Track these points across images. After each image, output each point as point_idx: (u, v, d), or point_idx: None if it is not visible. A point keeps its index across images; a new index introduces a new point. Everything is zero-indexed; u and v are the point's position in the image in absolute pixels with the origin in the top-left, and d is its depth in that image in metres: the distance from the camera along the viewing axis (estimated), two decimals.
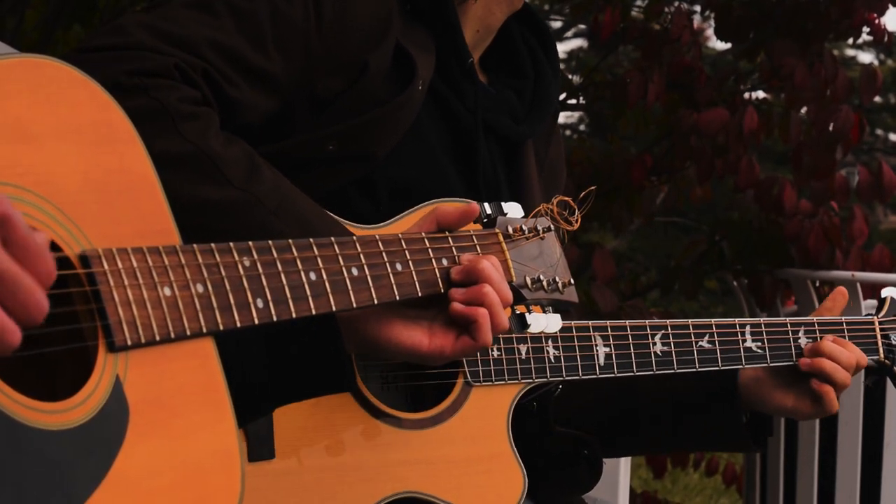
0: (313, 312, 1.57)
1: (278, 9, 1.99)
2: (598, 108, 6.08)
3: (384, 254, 1.71)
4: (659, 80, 5.28)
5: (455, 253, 1.82)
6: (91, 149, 1.38)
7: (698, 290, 6.06)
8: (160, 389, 1.39)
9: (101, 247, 1.35)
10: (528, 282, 1.91)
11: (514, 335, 2.12)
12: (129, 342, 1.35)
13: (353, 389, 1.96)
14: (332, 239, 1.65)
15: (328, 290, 1.61)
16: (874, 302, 2.60)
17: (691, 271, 5.89)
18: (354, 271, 1.66)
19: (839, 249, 5.30)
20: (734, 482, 6.33)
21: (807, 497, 5.18)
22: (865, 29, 5.60)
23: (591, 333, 2.20)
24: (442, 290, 1.79)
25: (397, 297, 1.71)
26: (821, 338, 2.36)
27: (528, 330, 1.90)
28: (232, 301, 1.47)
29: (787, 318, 2.38)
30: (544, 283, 1.92)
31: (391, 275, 1.71)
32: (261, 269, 1.52)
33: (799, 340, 2.36)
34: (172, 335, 1.39)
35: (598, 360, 2.20)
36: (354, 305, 1.64)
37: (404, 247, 1.75)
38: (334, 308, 1.61)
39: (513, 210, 1.92)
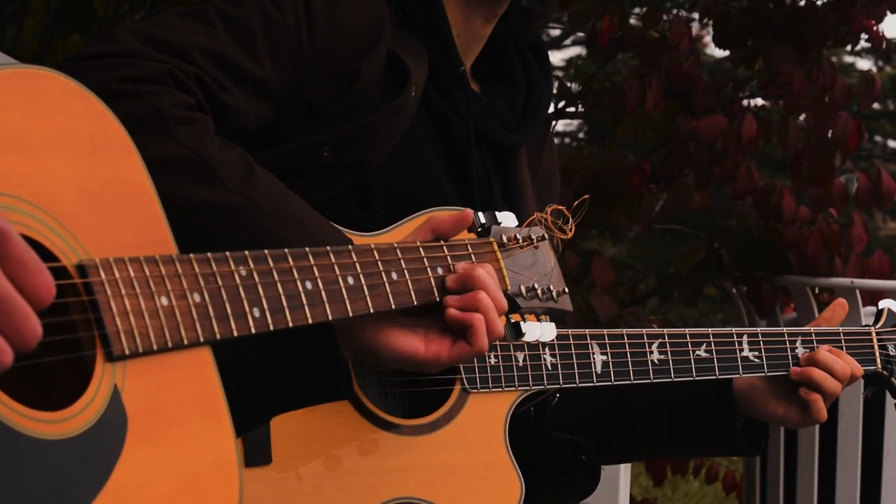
0: (310, 321, 1.58)
1: (270, 16, 2.00)
2: (597, 116, 6.09)
3: (379, 263, 1.72)
4: (657, 87, 5.28)
5: (450, 262, 1.82)
6: (87, 159, 1.38)
7: (697, 297, 6.06)
8: (158, 398, 1.39)
9: (98, 257, 1.36)
10: (523, 290, 1.91)
11: (509, 343, 2.12)
12: (127, 352, 1.35)
13: (350, 397, 1.97)
14: (328, 248, 1.65)
15: (324, 299, 1.61)
16: (873, 309, 2.60)
17: (690, 278, 5.89)
18: (350, 280, 1.66)
19: (838, 256, 5.30)
20: (734, 490, 6.32)
21: None
22: (864, 36, 5.60)
23: (588, 341, 2.20)
24: (437, 299, 1.80)
25: (393, 306, 1.72)
26: (817, 348, 2.37)
27: (523, 339, 1.91)
28: (229, 310, 1.47)
29: (785, 329, 2.38)
30: (539, 292, 1.92)
31: (387, 283, 1.72)
32: (257, 279, 1.52)
33: (796, 350, 2.37)
34: (170, 344, 1.40)
35: (594, 368, 2.20)
36: (350, 314, 1.65)
37: (399, 255, 1.76)
38: (330, 317, 1.61)
39: (507, 219, 1.93)
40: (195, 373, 1.44)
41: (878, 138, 12.95)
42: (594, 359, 2.20)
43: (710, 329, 2.31)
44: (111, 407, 1.34)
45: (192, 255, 1.45)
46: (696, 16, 6.35)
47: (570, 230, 1.94)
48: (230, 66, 1.95)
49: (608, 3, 5.57)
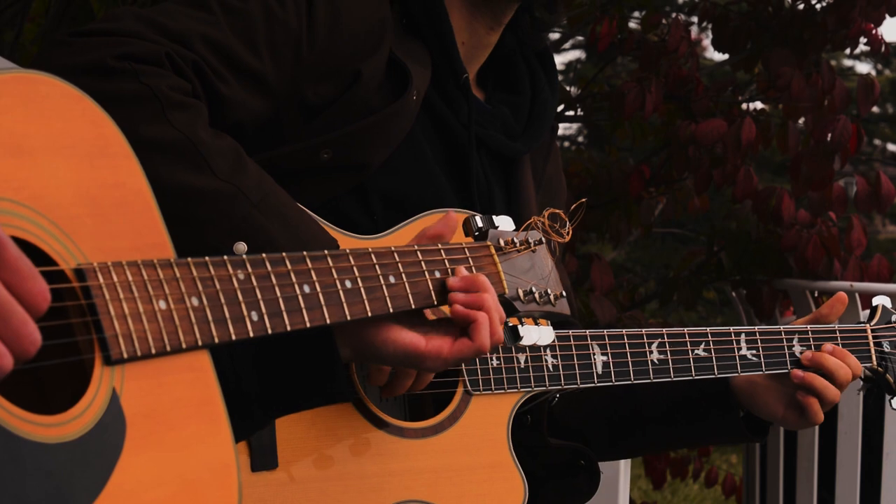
0: (307, 325, 1.58)
1: (272, 11, 2.00)
2: (596, 120, 6.09)
3: (377, 266, 1.72)
4: (656, 91, 5.28)
5: (447, 265, 1.82)
6: (85, 163, 1.39)
7: (697, 300, 6.06)
8: (157, 402, 1.39)
9: (97, 261, 1.36)
10: (521, 294, 1.91)
11: (507, 347, 2.13)
12: (126, 355, 1.36)
13: (349, 399, 1.97)
14: (326, 252, 1.65)
15: (322, 302, 1.61)
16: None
17: (689, 282, 5.89)
18: (348, 284, 1.66)
19: (837, 260, 5.30)
20: (734, 493, 6.32)
21: None
22: (863, 39, 5.60)
23: (589, 342, 2.21)
24: (435, 302, 1.80)
25: (391, 310, 1.72)
26: (815, 346, 2.37)
27: (521, 342, 1.91)
28: (227, 314, 1.47)
29: (782, 327, 2.39)
30: (536, 296, 1.93)
31: (384, 287, 1.72)
32: (255, 282, 1.52)
33: (793, 349, 2.37)
34: (168, 348, 1.40)
35: (595, 368, 2.21)
36: (348, 318, 1.65)
37: (397, 259, 1.76)
38: (328, 320, 1.61)
39: (504, 223, 1.93)
40: (193, 376, 1.44)
41: (877, 142, 12.96)
42: (595, 359, 2.21)
43: (708, 328, 2.32)
44: (110, 410, 1.34)
45: (189, 258, 1.45)
46: (694, 19, 6.35)
47: (568, 234, 1.95)
48: (229, 56, 1.95)
49: (607, 6, 5.58)
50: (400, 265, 1.75)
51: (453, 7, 2.21)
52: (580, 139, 11.70)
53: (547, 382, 2.17)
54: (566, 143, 11.21)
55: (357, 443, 1.99)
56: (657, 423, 2.45)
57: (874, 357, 2.48)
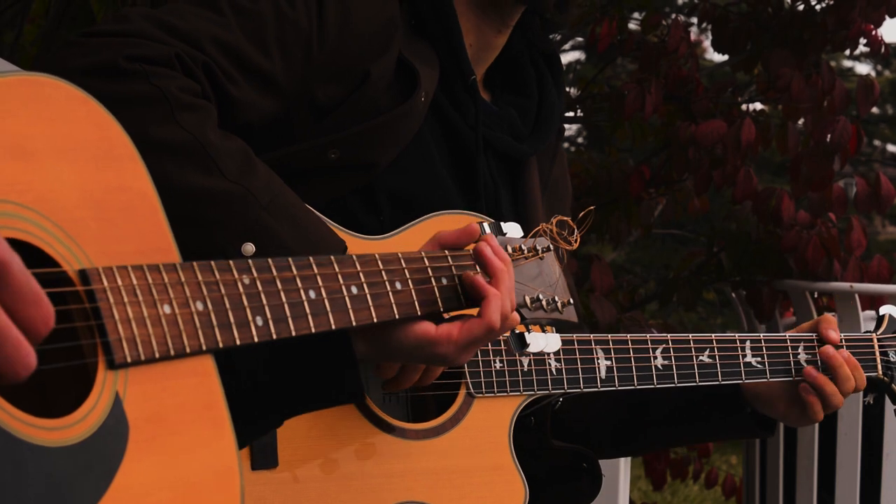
0: (312, 331, 1.57)
1: (282, 11, 2.00)
2: (596, 121, 6.09)
3: (384, 272, 1.71)
4: (656, 91, 5.29)
5: (454, 271, 1.82)
6: (90, 166, 1.38)
7: (697, 301, 6.06)
8: (160, 406, 1.39)
9: (101, 264, 1.35)
10: (528, 301, 1.91)
11: (514, 354, 2.13)
12: (129, 359, 1.35)
13: (360, 400, 1.96)
14: (332, 257, 1.65)
15: (327, 308, 1.61)
16: (872, 313, 2.61)
17: (689, 282, 5.89)
18: (354, 290, 1.66)
19: (837, 260, 5.30)
20: (734, 494, 6.32)
21: None
22: (862, 40, 5.61)
23: (593, 346, 2.21)
24: (442, 309, 1.79)
25: (396, 316, 1.71)
26: (840, 353, 2.38)
27: (528, 349, 1.90)
28: (231, 319, 1.47)
29: (787, 334, 2.39)
30: (544, 303, 1.92)
31: (390, 293, 1.71)
32: (260, 287, 1.52)
33: (798, 356, 2.37)
34: (172, 352, 1.39)
35: (599, 373, 2.21)
36: (354, 324, 1.64)
37: (404, 265, 1.75)
38: (333, 326, 1.61)
39: (512, 230, 1.93)
40: (197, 381, 1.43)
41: (876, 142, 12.97)
42: (598, 364, 2.21)
43: (713, 335, 2.32)
44: (113, 414, 1.34)
45: (195, 262, 1.45)
46: (694, 20, 6.35)
47: (576, 241, 1.94)
48: (239, 57, 1.95)
49: (607, 7, 5.58)
50: (406, 271, 1.75)
51: (461, 9, 2.21)
52: (580, 140, 11.71)
53: (550, 386, 2.17)
54: (566, 144, 11.22)
55: (358, 443, 1.99)
56: (662, 424, 2.45)
57: (880, 366, 2.48)
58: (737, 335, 2.35)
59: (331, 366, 1.77)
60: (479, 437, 2.10)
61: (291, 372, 1.77)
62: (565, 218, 1.95)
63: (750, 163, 5.62)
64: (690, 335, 2.30)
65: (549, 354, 2.16)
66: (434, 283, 1.78)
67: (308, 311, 1.57)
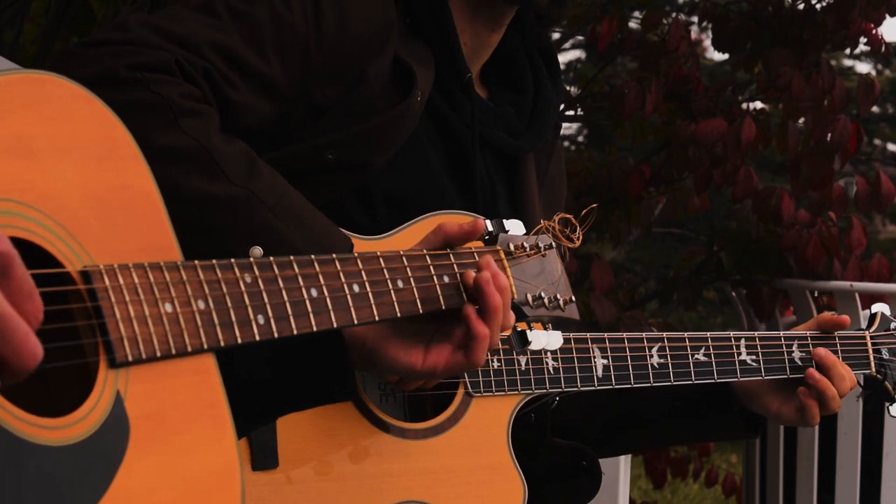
0: (314, 329, 1.57)
1: (279, 14, 2.00)
2: (596, 119, 6.09)
3: (385, 270, 1.71)
4: (656, 90, 5.29)
5: (456, 269, 1.81)
6: (93, 165, 1.38)
7: (697, 300, 6.07)
8: (161, 405, 1.39)
9: (103, 263, 1.35)
10: (530, 299, 1.91)
11: (514, 352, 2.13)
12: (130, 358, 1.35)
13: (354, 398, 1.97)
14: (334, 256, 1.65)
15: (329, 306, 1.61)
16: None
17: (689, 282, 5.90)
18: (356, 288, 1.66)
19: (837, 259, 5.30)
20: (734, 493, 6.32)
21: None
22: (863, 39, 5.61)
23: (590, 346, 2.21)
24: (443, 307, 1.79)
25: (398, 314, 1.71)
26: (837, 356, 2.38)
27: (529, 347, 1.90)
28: (233, 317, 1.47)
29: (782, 332, 2.40)
30: (545, 301, 1.92)
31: (392, 291, 1.71)
32: (262, 286, 1.52)
33: (793, 354, 2.38)
34: (173, 351, 1.39)
35: (596, 372, 2.21)
36: (356, 322, 1.64)
37: (405, 263, 1.75)
38: (335, 324, 1.61)
39: (514, 227, 1.93)
40: (198, 380, 1.43)
41: (877, 141, 12.97)
42: (595, 363, 2.21)
43: (708, 333, 2.33)
44: (114, 413, 1.34)
45: (196, 261, 1.45)
46: (695, 19, 6.36)
47: (578, 239, 1.94)
48: (238, 61, 1.95)
49: (607, 6, 5.58)
50: (409, 269, 1.75)
51: (455, 8, 2.21)
52: (580, 139, 11.71)
53: (547, 385, 2.17)
54: (566, 143, 11.22)
55: (357, 443, 1.99)
56: (654, 422, 2.45)
57: (873, 364, 2.49)
58: (731, 333, 2.35)
59: (324, 364, 1.77)
60: (477, 436, 2.10)
61: (288, 366, 1.77)
62: (567, 215, 1.95)
63: (750, 162, 5.62)
64: (686, 334, 2.31)
65: (547, 353, 2.16)
66: (436, 281, 1.78)
67: (310, 309, 1.57)
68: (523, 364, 2.15)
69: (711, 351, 2.32)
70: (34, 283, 1.21)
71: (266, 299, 1.51)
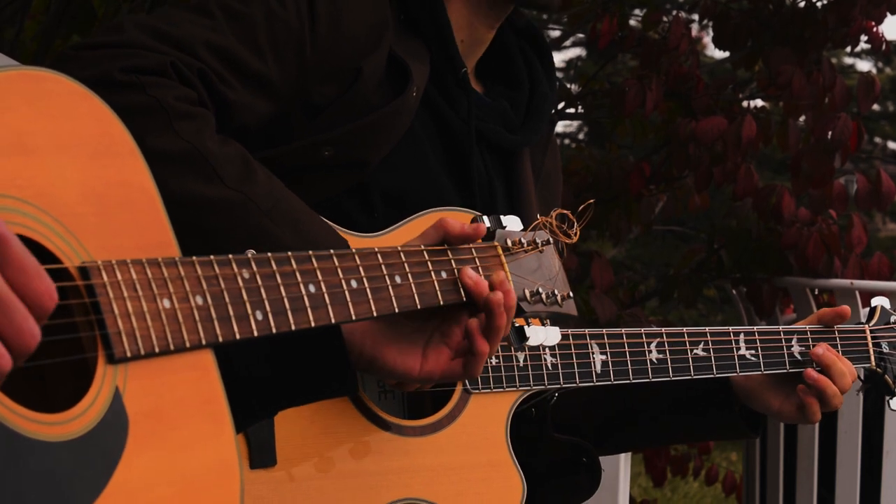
0: (312, 325, 1.57)
1: (274, 13, 2.01)
2: (597, 117, 6.09)
3: (383, 266, 1.71)
4: (657, 88, 5.29)
5: (454, 265, 1.81)
6: (91, 161, 1.38)
7: (697, 298, 6.07)
8: (160, 401, 1.39)
9: (101, 259, 1.36)
10: (527, 295, 1.91)
11: (512, 348, 2.13)
12: (129, 354, 1.35)
13: (354, 393, 1.97)
14: (332, 251, 1.65)
15: (327, 302, 1.61)
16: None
17: (690, 280, 5.90)
18: (354, 284, 1.66)
19: (838, 257, 5.30)
20: (734, 491, 6.32)
21: None
22: (863, 37, 5.61)
23: (588, 341, 2.21)
24: (441, 303, 1.79)
25: (396, 310, 1.71)
26: (813, 345, 2.38)
27: (527, 343, 1.91)
28: (231, 313, 1.47)
29: (780, 327, 2.39)
30: (543, 296, 1.92)
31: (390, 287, 1.71)
32: (260, 282, 1.52)
33: (792, 349, 2.38)
34: (172, 347, 1.39)
35: (594, 367, 2.21)
36: (353, 318, 1.64)
37: (403, 259, 1.75)
38: (333, 320, 1.61)
39: (512, 223, 1.93)
40: (197, 375, 1.43)
41: (877, 139, 12.96)
42: (594, 359, 2.21)
43: (707, 328, 2.32)
44: (112, 409, 1.34)
45: (194, 257, 1.45)
46: (695, 17, 6.35)
47: (575, 234, 1.94)
48: (233, 61, 1.96)
49: (608, 4, 5.58)
50: (406, 265, 1.75)
51: (451, 5, 2.21)
52: (581, 136, 11.70)
53: (546, 381, 2.17)
54: (567, 141, 11.21)
55: (356, 441, 1.99)
56: (653, 420, 2.45)
57: (873, 358, 2.49)
58: (730, 328, 2.35)
59: (323, 359, 1.78)
60: (476, 433, 2.10)
61: (287, 361, 1.77)
62: (565, 211, 1.95)
63: (750, 160, 5.62)
64: (685, 329, 2.30)
65: (545, 349, 2.16)
66: (434, 277, 1.78)
67: (308, 304, 1.57)
68: (521, 360, 2.15)
69: (710, 346, 2.31)
70: (38, 263, 1.21)
71: (264, 295, 1.52)
